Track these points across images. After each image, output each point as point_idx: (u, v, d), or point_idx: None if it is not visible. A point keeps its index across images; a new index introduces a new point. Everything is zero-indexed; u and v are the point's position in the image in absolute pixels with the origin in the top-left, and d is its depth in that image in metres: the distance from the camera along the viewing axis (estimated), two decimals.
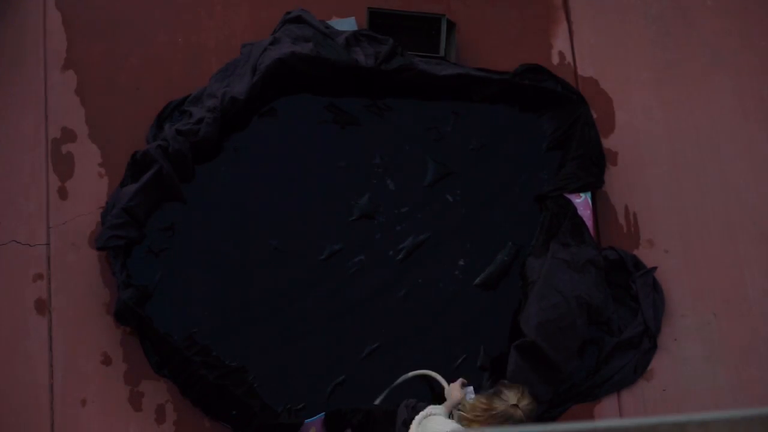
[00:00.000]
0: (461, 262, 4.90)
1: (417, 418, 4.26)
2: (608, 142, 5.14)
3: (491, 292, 4.87)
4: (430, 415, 4.23)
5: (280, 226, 4.90)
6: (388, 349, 4.77)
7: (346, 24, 5.17)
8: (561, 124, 5.05)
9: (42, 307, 4.79)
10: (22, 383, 4.70)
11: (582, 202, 4.92)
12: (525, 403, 4.00)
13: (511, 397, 3.97)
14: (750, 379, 4.81)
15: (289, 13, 5.13)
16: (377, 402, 4.65)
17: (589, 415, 4.77)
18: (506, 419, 3.96)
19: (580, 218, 4.89)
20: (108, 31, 5.20)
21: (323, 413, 4.59)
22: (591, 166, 4.96)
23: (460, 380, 4.49)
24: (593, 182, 4.95)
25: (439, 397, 4.60)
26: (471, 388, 4.59)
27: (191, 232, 4.87)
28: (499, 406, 3.97)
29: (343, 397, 4.69)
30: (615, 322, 4.83)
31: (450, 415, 4.30)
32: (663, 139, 5.16)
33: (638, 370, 4.80)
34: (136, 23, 5.20)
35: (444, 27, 5.11)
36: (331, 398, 4.69)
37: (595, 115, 5.15)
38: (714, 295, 4.93)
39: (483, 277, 4.88)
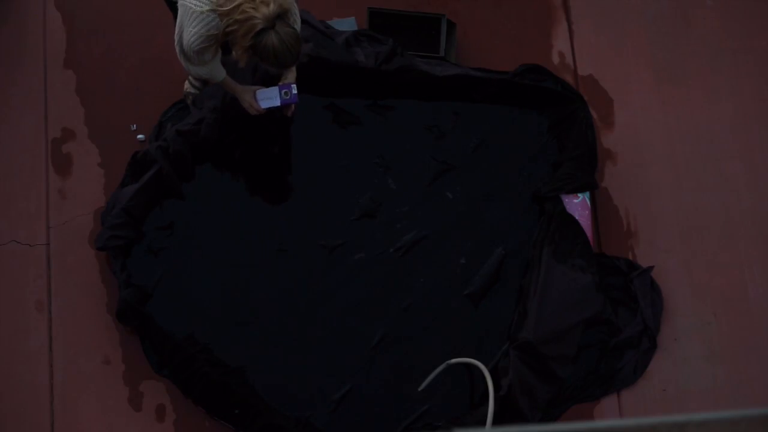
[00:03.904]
0: (462, 260, 4.90)
1: None
2: (608, 142, 5.14)
3: (488, 295, 4.88)
4: None
5: (281, 226, 4.91)
6: (391, 350, 4.77)
7: (346, 24, 5.17)
8: (559, 118, 5.05)
9: (42, 307, 4.79)
10: (22, 383, 4.70)
11: (580, 202, 4.92)
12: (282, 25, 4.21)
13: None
14: (750, 379, 4.81)
15: None
16: (421, 388, 4.66)
17: (589, 415, 4.77)
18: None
19: (577, 225, 4.87)
20: (108, 31, 5.20)
21: None
22: (587, 166, 4.97)
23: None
24: (591, 182, 4.95)
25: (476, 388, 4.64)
26: None
27: (191, 231, 4.88)
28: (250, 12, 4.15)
29: (349, 407, 4.69)
30: (615, 323, 4.83)
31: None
32: (663, 139, 5.16)
33: (638, 370, 4.80)
34: (136, 23, 5.21)
35: (444, 27, 5.12)
36: (338, 408, 4.69)
37: (595, 115, 5.16)
38: (714, 295, 4.93)
39: (474, 287, 4.87)
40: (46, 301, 4.81)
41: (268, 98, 4.74)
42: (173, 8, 4.58)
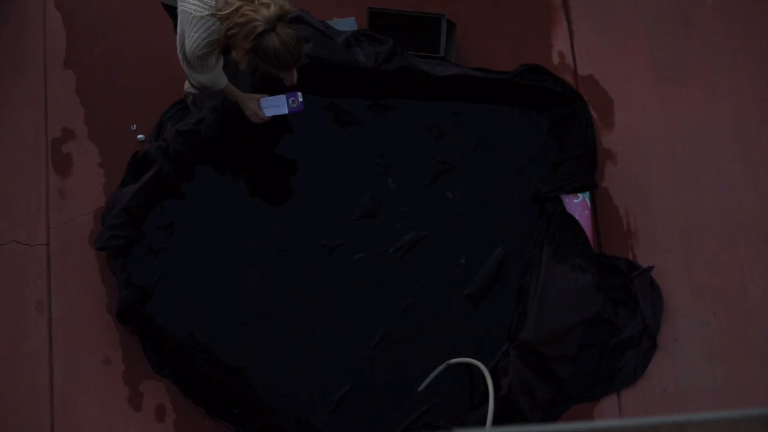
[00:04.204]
0: (462, 260, 4.90)
1: None
2: (608, 142, 5.14)
3: (488, 295, 4.88)
4: None
5: (281, 226, 4.91)
6: (391, 350, 4.77)
7: (346, 24, 5.17)
8: (559, 118, 5.05)
9: (42, 307, 4.79)
10: (22, 383, 4.70)
11: (580, 202, 4.92)
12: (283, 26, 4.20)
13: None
14: (750, 379, 4.81)
15: None
16: (421, 388, 4.66)
17: (589, 415, 4.77)
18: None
19: (577, 225, 4.87)
20: (108, 31, 5.20)
21: None
22: (587, 166, 4.97)
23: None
24: (591, 182, 4.95)
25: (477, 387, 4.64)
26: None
27: (191, 231, 4.88)
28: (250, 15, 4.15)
29: (349, 407, 4.69)
30: (615, 323, 4.83)
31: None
32: (663, 139, 5.16)
33: (638, 370, 4.80)
34: (136, 23, 5.21)
35: (444, 27, 5.12)
36: (338, 408, 4.69)
37: (595, 115, 5.16)
38: (714, 295, 4.93)
39: (474, 287, 4.87)
40: (46, 301, 4.81)
41: (274, 106, 4.74)
42: (171, 13, 4.59)
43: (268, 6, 4.17)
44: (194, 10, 4.23)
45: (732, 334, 4.87)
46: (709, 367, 4.82)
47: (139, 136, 5.02)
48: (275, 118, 4.79)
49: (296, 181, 4.98)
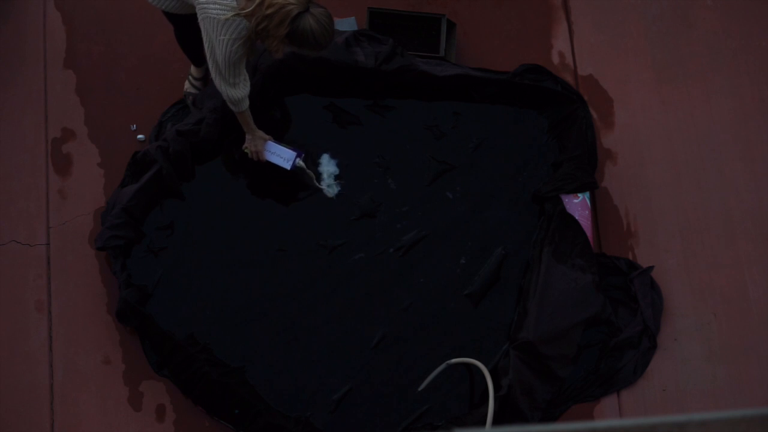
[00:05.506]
0: (462, 260, 4.90)
1: None
2: (608, 142, 5.14)
3: (488, 295, 4.88)
4: None
5: (281, 226, 4.91)
6: (391, 350, 4.78)
7: (346, 24, 5.18)
8: (559, 118, 5.06)
9: (42, 307, 4.80)
10: (22, 383, 4.70)
11: (580, 202, 4.92)
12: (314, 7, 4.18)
13: None
14: (750, 379, 4.81)
15: None
16: (421, 388, 4.67)
17: (589, 415, 4.77)
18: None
19: (577, 225, 4.87)
20: (108, 31, 5.20)
21: None
22: (587, 166, 4.97)
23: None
24: (591, 182, 4.95)
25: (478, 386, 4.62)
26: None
27: (191, 231, 4.88)
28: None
29: (349, 407, 4.69)
30: (615, 323, 4.83)
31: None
32: (663, 139, 5.16)
33: (638, 370, 4.80)
34: (136, 23, 5.21)
35: (444, 27, 5.12)
36: (338, 408, 4.69)
37: (595, 115, 5.16)
38: (714, 295, 4.93)
39: (474, 287, 4.87)
40: (46, 301, 4.81)
41: (279, 156, 4.81)
42: (171, 19, 4.59)
43: None
44: (217, 14, 4.20)
45: (732, 334, 4.87)
46: (709, 367, 4.82)
47: (139, 136, 5.03)
48: (273, 116, 4.80)
49: (296, 181, 4.98)
